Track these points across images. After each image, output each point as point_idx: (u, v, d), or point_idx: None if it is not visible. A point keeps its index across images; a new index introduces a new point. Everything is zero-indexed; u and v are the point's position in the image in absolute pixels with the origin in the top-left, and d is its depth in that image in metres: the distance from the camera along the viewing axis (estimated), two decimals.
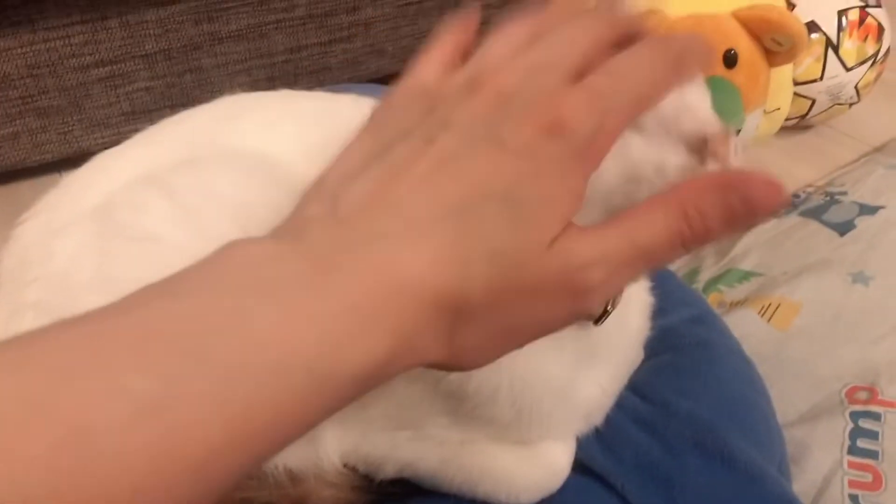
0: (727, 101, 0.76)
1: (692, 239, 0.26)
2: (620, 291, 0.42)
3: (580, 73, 0.26)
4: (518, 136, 0.25)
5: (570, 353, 0.43)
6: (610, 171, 0.32)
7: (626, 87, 0.26)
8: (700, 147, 0.31)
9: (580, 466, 0.52)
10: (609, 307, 0.41)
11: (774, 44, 0.78)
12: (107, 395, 0.19)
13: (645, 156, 0.32)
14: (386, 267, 0.24)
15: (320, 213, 0.27)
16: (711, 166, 0.31)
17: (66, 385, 0.19)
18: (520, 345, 0.28)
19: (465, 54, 0.31)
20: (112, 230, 0.45)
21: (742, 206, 0.25)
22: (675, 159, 0.31)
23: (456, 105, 0.27)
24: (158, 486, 0.19)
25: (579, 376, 0.45)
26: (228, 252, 0.25)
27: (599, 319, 0.41)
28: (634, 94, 0.27)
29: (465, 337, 0.26)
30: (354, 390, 0.24)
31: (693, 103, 0.34)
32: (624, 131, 0.29)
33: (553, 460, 0.48)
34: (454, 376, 0.42)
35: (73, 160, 1.12)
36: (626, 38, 0.29)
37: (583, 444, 0.52)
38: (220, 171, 0.48)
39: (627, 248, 0.26)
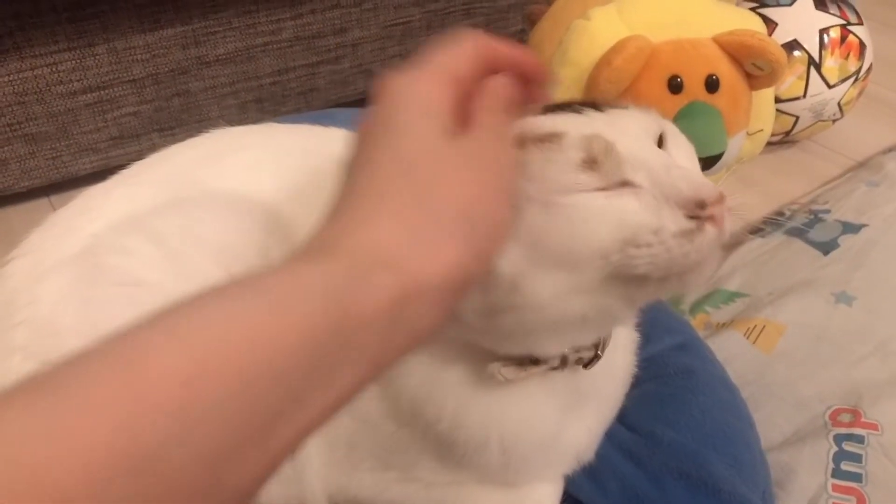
0: (710, 126, 0.77)
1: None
2: (609, 336, 0.43)
3: None
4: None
5: (559, 399, 0.44)
6: (604, 236, 0.32)
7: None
8: (696, 211, 0.32)
9: (567, 497, 0.53)
10: (599, 351, 0.42)
11: (755, 68, 0.79)
12: (95, 360, 0.24)
13: (642, 218, 0.32)
14: (370, 236, 0.29)
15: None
16: (710, 232, 0.32)
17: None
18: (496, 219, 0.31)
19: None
20: (96, 275, 0.46)
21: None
22: (672, 225, 0.32)
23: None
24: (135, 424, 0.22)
25: (569, 420, 0.45)
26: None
27: (589, 364, 0.42)
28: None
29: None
30: (337, 311, 0.26)
31: (686, 169, 0.34)
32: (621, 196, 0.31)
33: (541, 502, 0.49)
34: (444, 426, 0.42)
35: (62, 185, 1.12)
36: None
37: (570, 475, 0.53)
38: (204, 214, 0.48)
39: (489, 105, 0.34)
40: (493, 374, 0.40)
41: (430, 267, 0.28)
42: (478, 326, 0.37)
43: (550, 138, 0.35)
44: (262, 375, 0.24)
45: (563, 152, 0.34)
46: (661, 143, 0.38)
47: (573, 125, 0.35)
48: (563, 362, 0.41)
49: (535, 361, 0.40)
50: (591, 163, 0.33)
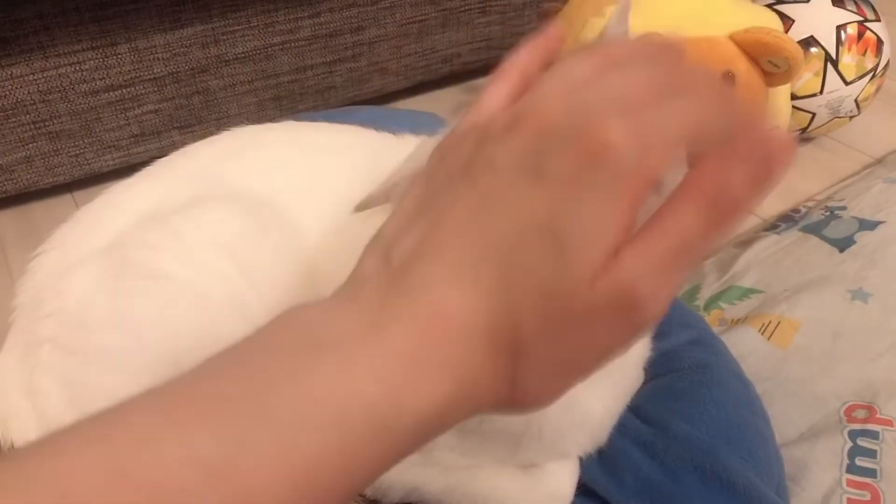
0: None
1: (726, 219, 0.25)
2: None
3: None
4: (558, 166, 0.24)
5: None
6: None
7: (675, 122, 0.25)
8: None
9: (582, 488, 0.53)
10: None
11: (771, 66, 0.79)
12: (181, 460, 0.20)
13: None
14: (436, 312, 0.24)
15: (375, 267, 0.27)
16: None
17: (145, 451, 0.20)
18: (584, 375, 0.27)
19: (530, 86, 0.29)
20: (122, 269, 0.47)
21: (765, 171, 0.25)
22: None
23: (499, 143, 0.26)
24: None
25: (584, 392, 0.46)
26: (287, 316, 0.26)
27: None
28: (682, 129, 0.25)
29: (526, 375, 0.25)
30: (416, 438, 0.24)
31: None
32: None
33: (557, 488, 0.50)
34: None
35: (85, 181, 1.14)
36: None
37: (585, 467, 0.53)
38: (224, 213, 0.50)
39: (669, 252, 0.24)
40: None
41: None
42: None
43: None
44: (342, 493, 0.23)
45: None
46: None
47: None
48: None
49: None
50: None
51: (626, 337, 0.26)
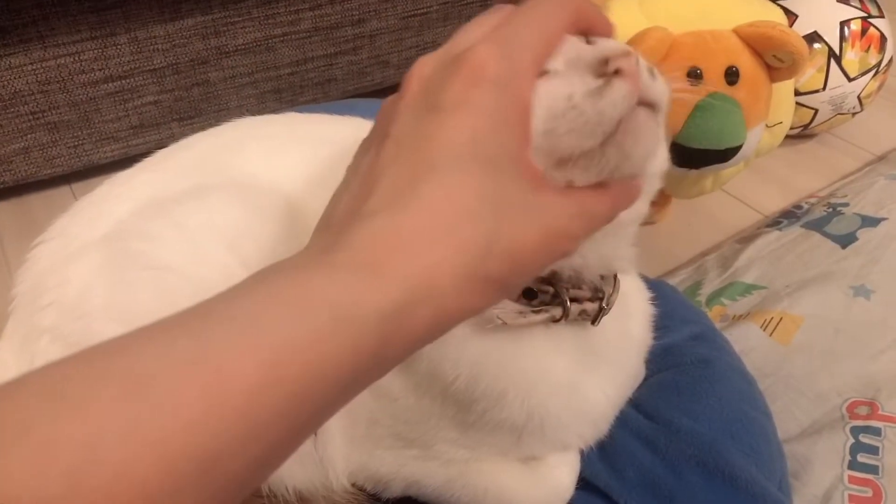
0: (729, 118, 0.77)
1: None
2: (614, 289, 0.44)
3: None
4: (451, 94, 0.29)
5: (570, 353, 0.45)
6: (537, 115, 0.32)
7: (530, 30, 0.31)
8: (603, 69, 0.32)
9: (584, 483, 0.53)
10: (605, 305, 0.43)
11: (776, 60, 0.79)
12: (169, 360, 0.23)
13: (557, 90, 0.32)
14: (379, 237, 0.28)
15: (321, 227, 0.32)
16: (619, 84, 0.31)
17: (138, 356, 0.24)
18: (536, 253, 0.31)
19: None
20: (122, 259, 0.47)
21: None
22: (581, 87, 0.32)
23: (398, 102, 0.32)
24: (210, 424, 0.22)
25: (582, 379, 0.45)
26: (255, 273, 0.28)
27: (596, 319, 0.43)
28: (537, 33, 0.31)
29: (487, 264, 0.28)
30: (381, 340, 0.26)
31: (596, 41, 0.34)
32: (539, 67, 0.32)
33: (558, 481, 0.49)
34: (461, 380, 0.43)
35: (83, 173, 1.14)
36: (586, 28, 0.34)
37: (587, 461, 0.53)
38: (224, 204, 0.49)
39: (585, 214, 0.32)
40: (491, 319, 0.41)
41: (468, 304, 0.28)
42: None
43: None
44: (316, 388, 0.25)
45: None
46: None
47: None
48: (565, 313, 0.41)
49: (530, 297, 0.41)
50: None
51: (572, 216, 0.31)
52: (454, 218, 0.28)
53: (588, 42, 0.35)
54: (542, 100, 0.32)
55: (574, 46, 0.34)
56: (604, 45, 0.33)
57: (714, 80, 0.77)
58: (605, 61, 0.32)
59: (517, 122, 0.31)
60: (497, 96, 0.30)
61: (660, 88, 0.34)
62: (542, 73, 0.33)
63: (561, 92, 0.32)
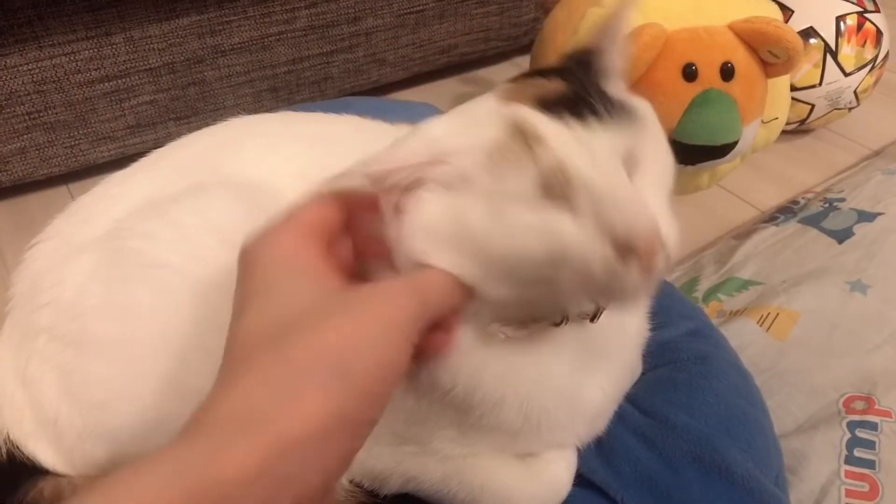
0: (724, 114, 0.77)
1: None
2: None
3: None
4: None
5: (569, 354, 0.45)
6: (536, 250, 0.34)
7: None
8: (625, 251, 0.33)
9: (581, 479, 0.53)
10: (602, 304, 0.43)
11: (771, 56, 0.79)
12: None
13: (573, 243, 0.33)
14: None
15: None
16: (633, 273, 0.33)
17: None
18: None
19: None
20: (119, 258, 0.47)
21: None
22: (599, 257, 0.33)
23: None
24: None
25: (581, 379, 0.46)
26: None
27: (595, 317, 0.43)
28: None
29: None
30: (253, 491, 0.26)
31: (634, 203, 0.34)
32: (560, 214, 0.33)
33: (555, 478, 0.49)
34: (459, 389, 0.43)
35: (80, 173, 1.13)
36: None
37: (584, 457, 0.53)
38: (220, 202, 0.49)
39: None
40: (495, 334, 0.41)
41: (296, 419, 0.27)
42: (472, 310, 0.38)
43: (529, 139, 0.35)
44: None
45: (527, 164, 0.34)
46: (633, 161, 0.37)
47: (553, 133, 0.35)
48: (565, 318, 0.41)
49: (535, 318, 0.41)
50: (546, 186, 0.34)
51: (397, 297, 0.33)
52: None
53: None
54: (557, 235, 0.33)
55: (610, 188, 0.33)
56: (635, 226, 0.33)
57: (709, 77, 0.78)
58: (630, 249, 0.33)
59: None
60: None
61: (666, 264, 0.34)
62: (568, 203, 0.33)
63: (577, 247, 0.33)
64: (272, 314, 0.31)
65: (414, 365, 0.33)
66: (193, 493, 0.25)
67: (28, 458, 0.47)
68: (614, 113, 0.36)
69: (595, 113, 0.36)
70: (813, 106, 1.13)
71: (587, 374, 0.46)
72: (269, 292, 0.31)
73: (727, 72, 0.78)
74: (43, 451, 0.47)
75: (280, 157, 0.54)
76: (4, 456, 0.47)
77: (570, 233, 0.33)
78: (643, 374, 0.58)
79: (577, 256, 0.33)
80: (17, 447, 0.47)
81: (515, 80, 0.41)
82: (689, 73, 0.77)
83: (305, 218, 0.34)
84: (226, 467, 0.26)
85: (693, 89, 0.76)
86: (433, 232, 0.35)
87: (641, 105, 0.40)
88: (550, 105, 0.36)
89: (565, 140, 0.34)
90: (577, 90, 0.37)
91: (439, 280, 0.35)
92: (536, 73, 0.41)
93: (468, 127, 0.37)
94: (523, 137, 0.35)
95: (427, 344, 0.34)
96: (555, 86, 0.38)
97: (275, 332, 0.30)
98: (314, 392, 0.28)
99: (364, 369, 0.29)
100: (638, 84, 0.79)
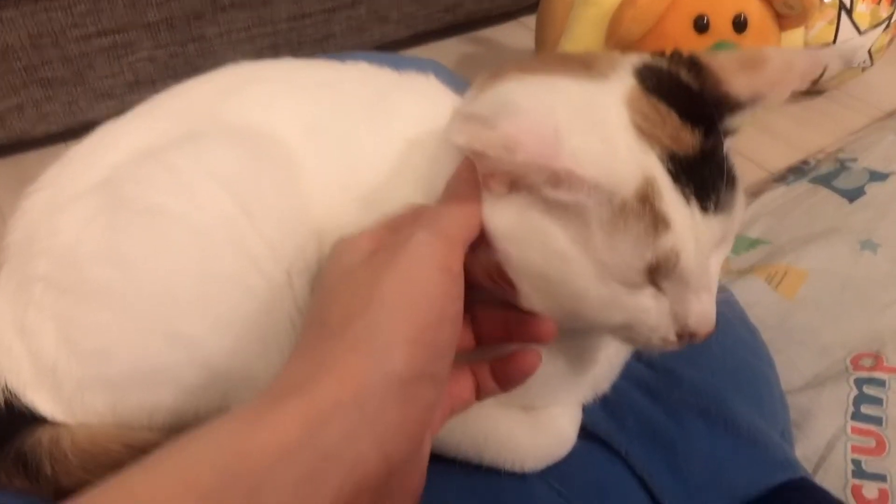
0: None
1: None
2: None
3: None
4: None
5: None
6: (615, 318, 0.36)
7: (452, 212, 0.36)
8: (684, 335, 0.37)
9: (584, 432, 0.52)
10: None
11: (785, 7, 0.77)
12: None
13: (648, 321, 0.36)
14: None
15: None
16: (679, 345, 0.37)
17: None
18: None
19: None
20: (116, 205, 0.46)
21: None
22: (665, 335, 0.36)
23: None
24: None
25: (584, 342, 0.45)
26: None
27: None
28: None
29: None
30: (294, 460, 0.25)
31: (710, 293, 0.37)
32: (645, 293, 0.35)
33: (560, 430, 0.49)
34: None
35: (78, 131, 1.11)
36: None
37: (588, 410, 0.53)
38: (221, 149, 0.48)
39: None
40: None
41: (334, 381, 0.26)
42: None
43: (658, 221, 0.33)
44: None
45: (644, 248, 0.34)
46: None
47: (679, 221, 0.34)
48: None
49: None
50: (651, 269, 0.34)
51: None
52: None
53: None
54: (638, 312, 0.35)
55: (699, 281, 0.35)
56: (701, 321, 0.36)
57: (721, 29, 0.76)
58: (692, 336, 0.37)
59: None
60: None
61: None
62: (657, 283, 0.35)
63: (651, 324, 0.36)
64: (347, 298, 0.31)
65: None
66: (224, 469, 0.24)
67: (26, 408, 0.46)
68: (727, 196, 0.35)
69: (716, 204, 0.35)
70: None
71: (590, 337, 0.45)
72: (423, 291, 0.31)
73: (740, 24, 0.76)
74: (41, 401, 0.46)
75: (284, 105, 0.52)
76: (2, 405, 0.46)
77: (649, 309, 0.35)
78: None
79: (646, 328, 0.36)
80: (16, 396, 0.46)
81: (642, 71, 0.37)
82: (701, 24, 0.75)
83: (458, 237, 0.33)
84: (263, 438, 0.25)
85: (704, 42, 0.74)
86: (507, 227, 0.35)
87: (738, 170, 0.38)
88: (680, 167, 0.34)
89: (687, 231, 0.34)
90: (710, 167, 0.35)
91: (459, 216, 0.34)
92: (667, 57, 0.38)
93: (595, 126, 0.34)
94: (650, 204, 0.33)
95: (519, 363, 0.38)
96: (690, 141, 0.35)
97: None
98: (349, 353, 0.27)
99: (404, 318, 0.29)
100: (648, 36, 0.77)
